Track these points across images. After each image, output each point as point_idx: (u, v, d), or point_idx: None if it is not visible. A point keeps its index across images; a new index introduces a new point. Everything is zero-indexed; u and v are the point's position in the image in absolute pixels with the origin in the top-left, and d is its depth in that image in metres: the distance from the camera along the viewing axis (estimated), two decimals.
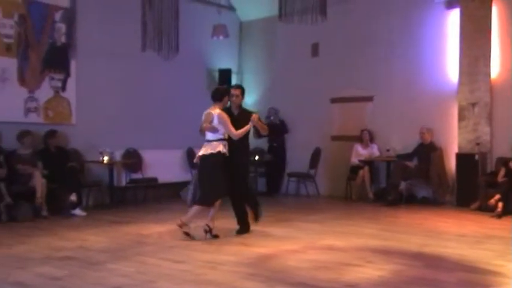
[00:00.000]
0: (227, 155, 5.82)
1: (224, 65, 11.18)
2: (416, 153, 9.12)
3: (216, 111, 5.83)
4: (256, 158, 10.76)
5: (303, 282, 4.06)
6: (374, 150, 9.72)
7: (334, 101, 10.46)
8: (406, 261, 4.77)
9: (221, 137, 5.84)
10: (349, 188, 9.84)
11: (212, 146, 5.78)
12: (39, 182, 7.25)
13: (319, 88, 10.49)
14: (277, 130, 10.82)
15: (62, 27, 8.43)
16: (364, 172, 9.40)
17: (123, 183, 9.02)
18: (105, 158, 8.30)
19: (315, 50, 10.74)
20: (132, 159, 9.12)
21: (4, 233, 6.31)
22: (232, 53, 11.61)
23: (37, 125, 8.00)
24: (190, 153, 10.14)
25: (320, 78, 10.49)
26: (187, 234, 5.73)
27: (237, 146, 5.93)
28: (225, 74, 11.10)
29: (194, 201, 5.93)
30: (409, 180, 8.94)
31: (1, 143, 7.53)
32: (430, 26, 9.31)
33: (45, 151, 7.85)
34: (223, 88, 6.16)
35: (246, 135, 6.05)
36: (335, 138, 10.45)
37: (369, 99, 10.01)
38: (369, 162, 9.52)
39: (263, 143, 10.97)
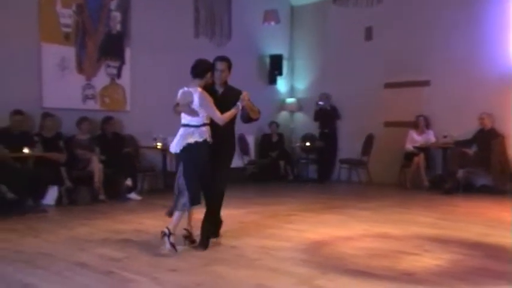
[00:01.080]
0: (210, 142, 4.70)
1: (275, 50, 11.14)
2: (476, 139, 8.78)
3: (196, 89, 4.68)
4: (307, 144, 10.72)
5: (358, 269, 4.00)
6: (430, 137, 9.45)
7: (388, 86, 10.22)
8: (465, 251, 4.60)
9: (205, 121, 4.67)
10: (404, 175, 9.61)
11: (198, 133, 4.63)
12: (96, 167, 7.50)
13: (372, 73, 10.29)
14: (328, 116, 10.72)
15: (117, 15, 8.63)
16: (420, 159, 9.17)
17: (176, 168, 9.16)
18: (159, 144, 8.46)
19: (368, 33, 10.50)
20: None
21: (65, 215, 6.59)
22: (284, 39, 11.53)
23: (94, 111, 8.25)
24: (241, 140, 10.22)
25: (373, 62, 10.27)
26: (173, 246, 4.57)
27: (220, 133, 4.75)
28: (276, 60, 11.06)
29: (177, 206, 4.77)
30: (467, 168, 8.60)
31: (61, 129, 7.81)
32: (490, 7, 8.88)
33: (102, 137, 8.10)
34: (206, 61, 4.87)
35: (232, 120, 4.87)
36: (388, 124, 10.22)
37: (425, 83, 9.71)
38: (425, 149, 9.27)
39: (314, 129, 10.88)
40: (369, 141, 10.31)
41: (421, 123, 9.51)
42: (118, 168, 7.84)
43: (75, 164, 7.55)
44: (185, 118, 4.72)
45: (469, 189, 8.65)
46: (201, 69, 4.79)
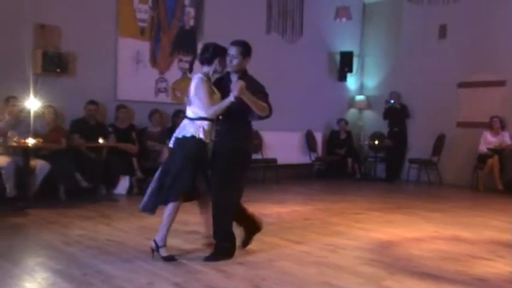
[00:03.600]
0: (207, 142, 4.09)
1: (346, 47, 11.01)
2: None
3: (196, 76, 4.16)
4: (376, 142, 10.55)
5: (428, 272, 3.91)
6: (505, 138, 9.09)
7: (461, 85, 9.88)
8: None
9: (202, 115, 4.08)
10: (476, 177, 9.28)
11: (194, 127, 4.08)
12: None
13: (445, 72, 9.99)
14: (398, 115, 10.54)
15: (191, 11, 8.82)
16: (494, 161, 8.82)
17: None
18: None
19: (442, 31, 10.21)
20: (254, 140, 9.34)
21: (136, 205, 6.61)
22: (355, 36, 11.38)
23: (166, 104, 8.48)
24: (309, 136, 10.21)
25: (446, 61, 9.97)
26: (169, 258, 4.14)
27: (231, 127, 4.15)
28: (347, 57, 10.94)
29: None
30: None
31: (134, 121, 8.09)
32: None
33: (172, 129, 8.27)
34: (215, 45, 4.22)
35: (241, 115, 4.12)
36: (461, 124, 9.89)
37: (501, 83, 9.33)
38: (499, 151, 8.90)
39: (383, 128, 10.70)
40: (440, 141, 10.03)
41: (495, 125, 9.15)
42: None
43: (146, 155, 7.80)
44: (187, 110, 4.23)
45: None
46: (208, 55, 4.18)
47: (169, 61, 8.61)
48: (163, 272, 3.81)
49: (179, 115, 8.34)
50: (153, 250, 4.17)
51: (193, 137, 4.04)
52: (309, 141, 10.26)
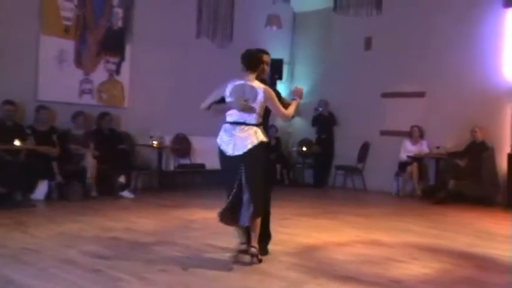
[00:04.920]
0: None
1: (276, 55, 11.10)
2: (468, 151, 8.85)
3: (259, 84, 4.28)
4: (304, 149, 10.74)
5: (348, 275, 4.01)
6: (423, 147, 9.52)
7: (385, 95, 10.27)
8: (454, 261, 4.65)
9: (260, 120, 4.27)
10: (397, 183, 9.65)
11: (261, 132, 4.23)
12: (90, 163, 7.45)
13: (370, 82, 10.35)
14: (326, 122, 10.80)
15: (119, 11, 8.62)
16: (413, 168, 9.21)
17: (172, 167, 9.16)
18: (155, 142, 8.45)
19: (368, 43, 10.58)
20: (182, 145, 9.25)
21: (56, 211, 6.52)
22: (285, 44, 11.56)
23: (91, 106, 8.22)
24: None
25: (372, 72, 10.34)
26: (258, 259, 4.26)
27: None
28: (277, 64, 11.06)
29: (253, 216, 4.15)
30: (458, 179, 8.67)
31: (55, 123, 7.76)
32: (487, 23, 9.03)
33: (97, 132, 8.07)
34: (257, 52, 4.46)
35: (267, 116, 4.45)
36: (384, 133, 10.27)
37: (421, 94, 9.79)
38: (418, 159, 9.31)
39: (312, 135, 10.93)
40: (364, 148, 10.37)
41: (415, 133, 9.57)
42: (112, 165, 7.80)
43: (68, 159, 7.51)
44: (240, 115, 4.21)
45: (460, 199, 8.68)
46: (255, 61, 4.36)
47: (95, 62, 8.35)
48: (80, 280, 3.66)
49: (105, 117, 8.13)
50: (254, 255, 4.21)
51: (262, 142, 4.22)
52: None
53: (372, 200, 9.15)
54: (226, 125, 4.28)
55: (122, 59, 8.69)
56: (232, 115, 4.24)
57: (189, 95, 9.45)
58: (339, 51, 10.95)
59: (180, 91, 9.32)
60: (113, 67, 8.58)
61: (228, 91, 4.30)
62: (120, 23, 8.64)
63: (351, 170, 10.50)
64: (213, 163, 9.47)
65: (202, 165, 9.35)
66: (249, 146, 4.14)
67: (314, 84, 11.36)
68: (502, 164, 8.63)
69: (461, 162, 8.76)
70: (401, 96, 10.02)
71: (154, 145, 8.46)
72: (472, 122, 8.90)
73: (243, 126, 4.19)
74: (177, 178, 9.33)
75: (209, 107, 4.44)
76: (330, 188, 10.53)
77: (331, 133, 10.92)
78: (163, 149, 8.79)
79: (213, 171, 9.63)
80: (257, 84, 4.28)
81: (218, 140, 4.28)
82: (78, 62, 8.12)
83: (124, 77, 8.70)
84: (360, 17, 6.47)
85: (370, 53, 10.51)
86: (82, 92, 8.21)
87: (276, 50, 11.09)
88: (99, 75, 8.40)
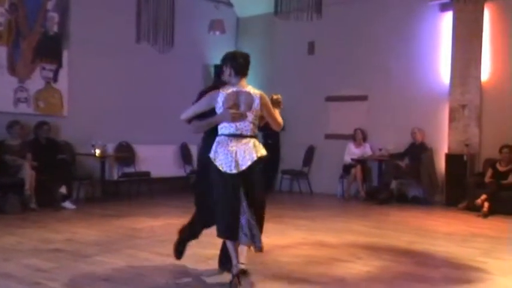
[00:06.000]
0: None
1: (220, 60, 11.12)
2: (408, 152, 9.13)
3: (254, 90, 3.94)
4: None
5: (294, 276, 4.07)
6: (366, 149, 9.74)
7: (329, 99, 10.44)
8: (395, 258, 4.82)
9: (256, 131, 3.96)
10: (342, 186, 9.83)
11: (258, 145, 3.91)
12: (28, 174, 7.15)
13: (314, 86, 10.49)
14: (271, 127, 10.82)
15: (54, 16, 8.33)
16: (357, 171, 9.39)
17: (115, 176, 8.95)
18: (97, 151, 8.22)
19: (311, 48, 10.73)
20: (125, 153, 9.05)
21: None
22: (229, 49, 11.29)
23: (27, 115, 7.92)
24: (184, 149, 10.11)
25: (316, 76, 10.49)
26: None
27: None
28: (221, 70, 11.02)
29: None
30: (400, 180, 8.95)
31: None
32: (424, 28, 9.35)
33: (34, 142, 7.77)
34: (246, 54, 4.13)
35: None
36: (329, 136, 10.43)
37: (363, 98, 10.00)
38: (361, 161, 9.51)
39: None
40: (310, 152, 10.50)
41: (358, 136, 9.78)
42: (52, 175, 7.53)
43: (4, 170, 7.19)
44: (236, 127, 3.79)
45: (402, 199, 8.99)
46: (248, 64, 4.02)
47: (30, 69, 8.03)
48: None
49: (42, 127, 7.85)
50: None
51: (264, 156, 3.90)
52: (184, 153, 10.18)
53: (317, 203, 9.27)
54: (221, 138, 3.81)
55: (59, 65, 8.41)
56: (226, 127, 3.80)
57: (131, 101, 9.33)
58: (282, 56, 11.05)
59: (122, 98, 9.13)
60: (50, 74, 8.30)
61: (220, 100, 3.81)
62: (55, 28, 8.36)
63: (296, 174, 10.61)
64: (159, 171, 9.42)
65: (147, 173, 9.19)
66: (249, 163, 3.75)
67: (259, 89, 11.39)
68: (441, 164, 8.95)
69: (402, 163, 9.04)
70: (345, 100, 10.20)
71: (97, 154, 8.24)
72: (412, 123, 9.17)
73: (240, 139, 3.79)
74: (121, 187, 9.11)
75: (190, 121, 3.97)
76: (276, 193, 10.59)
77: (277, 138, 10.97)
78: (106, 157, 8.57)
79: (159, 180, 9.52)
80: (252, 90, 3.91)
81: (212, 155, 3.78)
82: (12, 69, 7.79)
83: (62, 84, 8.42)
84: (301, 21, 6.53)
85: (313, 57, 10.66)
86: (17, 101, 7.88)
87: (220, 55, 10.85)
88: (35, 82, 8.09)
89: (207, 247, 4.67)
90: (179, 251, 4.26)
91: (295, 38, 10.70)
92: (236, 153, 3.73)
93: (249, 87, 3.92)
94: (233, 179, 3.72)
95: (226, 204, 3.73)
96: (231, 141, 3.77)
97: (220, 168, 3.71)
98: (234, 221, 3.67)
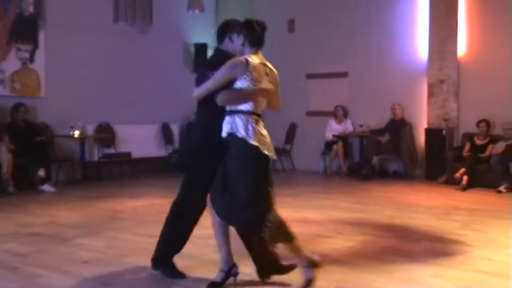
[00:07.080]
0: None
1: (200, 39, 10.98)
2: (388, 128, 9.20)
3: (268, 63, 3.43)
4: None
5: (277, 253, 4.04)
6: (347, 126, 9.78)
7: (309, 76, 10.42)
8: (376, 232, 4.89)
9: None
10: (324, 162, 9.88)
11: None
12: (5, 157, 7.04)
13: (295, 64, 10.43)
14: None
15: None
16: (338, 147, 9.45)
17: (96, 158, 8.86)
18: (77, 133, 8.12)
19: (291, 25, 10.67)
20: (105, 134, 8.94)
21: None
22: (208, 27, 11.36)
23: (3, 97, 7.76)
24: (165, 128, 10.03)
25: (296, 54, 10.44)
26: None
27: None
28: (201, 49, 10.91)
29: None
30: (381, 155, 9.03)
31: None
32: (402, 3, 9.37)
33: (11, 125, 7.63)
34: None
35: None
36: (310, 113, 10.44)
37: (344, 75, 10.01)
38: (343, 138, 9.55)
39: None
40: (291, 130, 10.50)
41: (339, 113, 9.81)
42: (30, 158, 7.42)
43: None
44: (248, 105, 3.24)
45: (383, 175, 9.09)
46: (264, 37, 3.49)
47: (6, 50, 7.85)
48: None
49: (19, 109, 7.70)
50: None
51: None
52: (166, 133, 10.09)
53: (300, 180, 9.31)
54: (255, 118, 3.20)
55: (36, 46, 8.22)
56: (255, 105, 3.23)
57: (110, 81, 9.19)
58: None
59: (100, 78, 8.98)
60: (26, 55, 8.11)
61: (250, 72, 3.20)
62: (31, 9, 8.15)
63: (279, 152, 10.57)
64: (140, 151, 9.35)
65: (128, 154, 9.10)
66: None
67: None
68: (420, 139, 9.04)
69: (383, 139, 9.10)
70: (325, 77, 10.20)
71: (76, 136, 8.13)
72: (392, 99, 9.22)
73: (256, 116, 3.25)
74: (102, 169, 9.03)
75: (212, 94, 3.23)
76: None
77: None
78: (85, 139, 8.46)
79: (141, 160, 9.45)
80: (265, 62, 3.38)
81: (255, 142, 3.15)
82: None
83: (39, 65, 8.25)
84: None
85: (293, 35, 10.60)
86: None
87: (200, 34, 10.95)
88: (11, 64, 7.90)
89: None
90: (175, 271, 3.64)
91: (275, 15, 10.58)
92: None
93: (268, 63, 3.42)
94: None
95: (268, 198, 3.36)
96: (260, 122, 3.25)
97: (268, 154, 3.24)
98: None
